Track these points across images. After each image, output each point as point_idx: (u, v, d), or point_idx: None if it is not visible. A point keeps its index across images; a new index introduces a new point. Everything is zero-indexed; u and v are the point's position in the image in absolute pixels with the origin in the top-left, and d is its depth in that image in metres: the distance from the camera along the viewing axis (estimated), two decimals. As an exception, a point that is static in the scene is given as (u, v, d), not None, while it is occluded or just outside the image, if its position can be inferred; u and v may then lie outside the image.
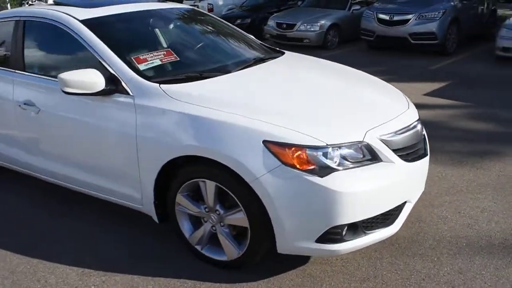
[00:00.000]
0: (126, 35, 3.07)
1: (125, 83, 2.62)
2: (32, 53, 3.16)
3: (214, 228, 2.54)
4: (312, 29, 9.83)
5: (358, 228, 2.31)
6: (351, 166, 2.24)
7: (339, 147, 2.23)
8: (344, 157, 2.24)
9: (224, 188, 2.36)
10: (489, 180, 3.56)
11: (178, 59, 2.88)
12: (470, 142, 4.37)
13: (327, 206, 2.18)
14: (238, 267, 2.54)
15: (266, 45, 3.72)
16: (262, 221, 2.31)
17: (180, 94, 2.53)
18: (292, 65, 3.27)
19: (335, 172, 2.20)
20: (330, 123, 2.35)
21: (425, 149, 2.69)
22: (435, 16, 8.14)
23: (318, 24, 9.82)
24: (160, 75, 2.72)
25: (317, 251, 2.29)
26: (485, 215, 3.06)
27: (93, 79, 2.58)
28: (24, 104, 3.05)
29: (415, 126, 2.58)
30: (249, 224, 2.35)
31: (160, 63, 2.79)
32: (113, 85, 2.64)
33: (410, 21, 8.39)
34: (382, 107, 2.63)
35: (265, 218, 2.30)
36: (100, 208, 3.27)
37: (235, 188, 2.32)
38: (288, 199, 2.19)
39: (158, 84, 2.59)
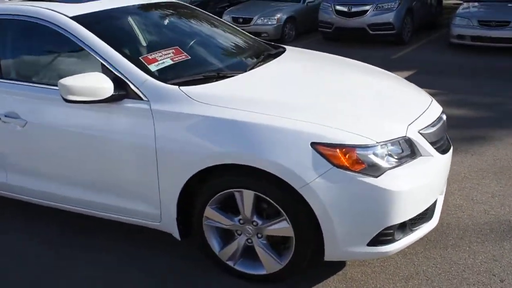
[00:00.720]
0: (125, 32, 2.75)
1: (136, 86, 2.33)
2: (11, 57, 2.74)
3: (249, 240, 2.34)
4: (269, 23, 9.72)
5: (406, 226, 2.23)
6: (397, 163, 2.14)
7: (386, 145, 2.13)
8: (390, 155, 2.14)
9: (265, 197, 2.17)
10: (487, 165, 3.66)
11: (189, 57, 2.62)
12: (455, 129, 4.48)
13: (381, 207, 2.07)
14: (279, 280, 2.37)
15: (263, 40, 3.54)
16: (309, 229, 2.16)
17: (205, 96, 2.29)
18: (304, 59, 3.12)
19: (387, 171, 2.09)
20: (372, 120, 2.24)
21: (449, 141, 2.67)
22: (392, 6, 8.37)
23: (275, 17, 9.73)
24: (174, 76, 2.44)
25: (368, 254, 2.18)
26: (497, 200, 3.13)
27: (101, 84, 2.27)
28: (5, 116, 2.63)
29: (441, 118, 2.55)
30: (295, 233, 2.19)
31: (171, 62, 2.52)
32: (122, 89, 2.34)
33: (368, 12, 8.55)
34: (412, 101, 2.56)
35: (313, 225, 2.15)
36: (106, 233, 2.93)
37: (279, 197, 2.14)
38: (341, 204, 2.05)
39: (177, 86, 2.33)
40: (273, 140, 2.09)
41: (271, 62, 2.83)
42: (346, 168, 2.04)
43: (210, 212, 2.34)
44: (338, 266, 2.51)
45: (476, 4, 8.03)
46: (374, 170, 2.07)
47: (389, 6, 8.38)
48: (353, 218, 2.08)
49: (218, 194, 2.27)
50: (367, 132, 2.12)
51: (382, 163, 2.09)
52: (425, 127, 2.33)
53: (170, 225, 2.47)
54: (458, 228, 2.82)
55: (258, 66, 2.71)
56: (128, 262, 2.63)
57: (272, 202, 2.16)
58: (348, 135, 2.08)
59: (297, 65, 2.93)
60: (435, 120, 2.44)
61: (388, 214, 2.09)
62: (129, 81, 2.34)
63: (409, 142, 2.22)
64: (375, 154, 2.09)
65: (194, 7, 3.41)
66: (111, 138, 2.38)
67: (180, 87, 2.32)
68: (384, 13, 8.47)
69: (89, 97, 2.27)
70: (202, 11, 3.46)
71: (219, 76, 2.52)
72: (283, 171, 2.07)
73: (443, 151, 2.45)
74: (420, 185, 2.18)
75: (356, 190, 2.04)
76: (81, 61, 2.48)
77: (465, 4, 8.22)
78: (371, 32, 8.59)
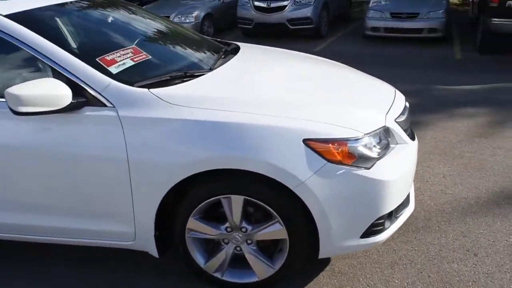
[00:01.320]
0: (73, 31, 2.39)
1: (98, 92, 2.04)
2: None
3: (238, 248, 2.20)
4: (187, 20, 9.43)
5: (392, 214, 2.26)
6: (382, 153, 2.16)
7: (372, 135, 2.13)
8: (375, 145, 2.15)
9: (256, 201, 2.04)
10: (430, 148, 3.91)
11: (150, 57, 2.37)
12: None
13: (375, 198, 2.06)
14: (271, 285, 2.26)
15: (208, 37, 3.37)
16: (303, 228, 2.08)
17: (179, 98, 2.08)
18: (265, 54, 3.02)
19: (377, 162, 2.09)
20: (355, 112, 2.22)
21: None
22: (309, 1, 8.62)
23: (193, 15, 9.47)
24: (138, 78, 2.18)
25: (361, 246, 2.16)
26: (449, 179, 3.35)
27: (58, 91, 1.95)
28: None
29: (407, 106, 2.63)
30: (289, 234, 2.09)
31: (132, 63, 2.25)
32: (80, 96, 2.04)
33: (287, 7, 8.71)
34: (381, 90, 2.61)
35: (309, 224, 2.08)
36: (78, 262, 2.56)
37: (271, 199, 2.03)
38: (337, 199, 2.00)
39: (146, 89, 2.09)
40: (263, 140, 1.97)
41: (232, 59, 2.69)
42: (339, 163, 2.00)
43: (193, 223, 2.15)
44: (323, 261, 2.47)
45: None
46: (366, 161, 2.05)
47: (306, 1, 8.62)
48: (348, 212, 2.05)
49: (203, 203, 2.09)
50: (354, 124, 2.10)
51: (371, 154, 2.08)
52: (398, 115, 2.38)
53: (145, 242, 2.22)
54: (423, 210, 2.95)
55: (222, 64, 2.56)
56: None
57: (264, 205, 2.04)
58: (338, 129, 2.04)
59: (261, 61, 2.82)
60: (403, 109, 2.51)
61: (380, 204, 2.09)
62: (89, 86, 2.04)
63: (387, 131, 2.25)
64: (364, 146, 2.07)
65: (134, 4, 3.12)
66: (74, 153, 2.06)
67: (150, 90, 2.09)
68: (302, 7, 8.69)
69: (43, 107, 1.93)
70: (142, 8, 3.18)
71: (186, 76, 2.32)
72: (276, 171, 1.96)
73: (412, 137, 2.54)
74: (403, 172, 2.21)
75: (351, 183, 2.01)
76: (25, 67, 2.11)
77: (375, -2, 8.77)
78: (291, 27, 8.77)
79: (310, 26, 8.75)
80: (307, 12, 8.63)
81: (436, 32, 7.84)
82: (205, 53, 2.80)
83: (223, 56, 2.73)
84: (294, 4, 8.70)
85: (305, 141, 1.97)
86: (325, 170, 1.98)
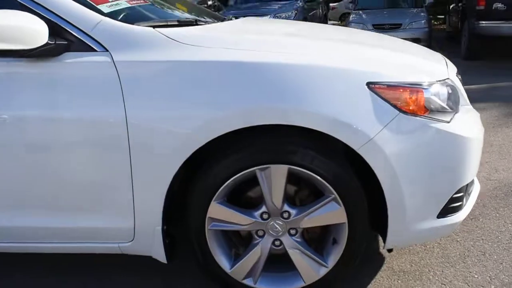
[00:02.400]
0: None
1: (85, 32, 1.49)
2: None
3: (277, 242, 1.64)
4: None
5: (467, 188, 1.79)
6: (455, 108, 1.69)
7: (444, 85, 1.67)
8: (447, 97, 1.68)
9: (304, 171, 1.51)
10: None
11: (148, 2, 1.86)
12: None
13: (457, 160, 1.58)
14: (322, 291, 1.70)
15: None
16: (366, 208, 1.56)
17: (193, 38, 1.56)
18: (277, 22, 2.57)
19: (455, 115, 1.63)
20: (413, 59, 1.77)
21: None
22: (290, 15, 8.39)
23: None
24: (134, 22, 1.64)
25: (437, 230, 1.64)
26: (488, 167, 2.92)
27: (30, 24, 1.40)
28: None
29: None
30: (348, 217, 1.57)
31: (127, 5, 1.72)
32: (60, 38, 1.49)
33: (265, 22, 8.45)
34: (429, 51, 2.17)
35: (373, 201, 1.57)
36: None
37: (325, 166, 1.50)
38: (412, 162, 1.50)
39: (151, 27, 1.56)
40: (314, 85, 1.46)
41: (238, 19, 2.21)
42: (414, 114, 1.52)
43: (217, 210, 1.58)
44: (372, 260, 1.94)
45: (367, 11, 8.48)
46: (444, 114, 1.58)
47: (286, 16, 8.40)
48: (426, 180, 1.54)
49: (230, 180, 1.54)
50: (422, 70, 1.65)
51: (445, 105, 1.62)
52: (456, 73, 1.96)
53: (148, 242, 1.62)
54: (472, 197, 2.51)
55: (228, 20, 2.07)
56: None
57: (315, 176, 1.51)
58: (408, 73, 1.58)
59: (268, 22, 2.37)
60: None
61: (462, 169, 1.61)
62: (71, 25, 1.48)
63: (453, 88, 1.80)
64: (438, 96, 1.61)
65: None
66: (46, 118, 1.49)
67: (156, 29, 1.57)
68: (281, 23, 8.46)
69: (8, 44, 1.37)
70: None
71: (197, 23, 1.81)
72: (334, 126, 1.44)
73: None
74: (478, 133, 1.76)
75: (430, 140, 1.51)
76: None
77: (355, 13, 8.65)
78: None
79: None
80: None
81: (420, 42, 7.71)
82: (211, 16, 2.31)
83: (226, 19, 2.25)
84: (275, 18, 8.46)
85: (370, 85, 1.49)
86: (398, 122, 1.48)
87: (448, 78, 1.72)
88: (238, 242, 1.73)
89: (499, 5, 5.95)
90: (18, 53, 1.43)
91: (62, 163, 1.52)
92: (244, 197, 1.68)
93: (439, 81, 1.63)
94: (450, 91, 1.66)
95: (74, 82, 1.48)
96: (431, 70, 1.69)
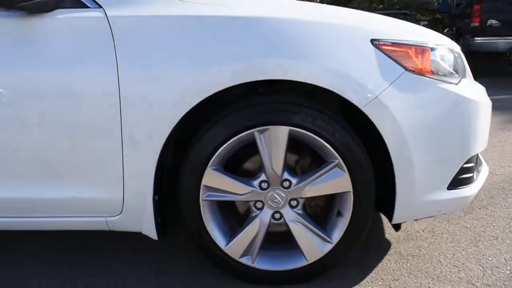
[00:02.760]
0: None
1: (76, -14, 1.43)
2: None
3: (277, 215, 1.52)
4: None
5: (477, 163, 1.69)
6: (460, 73, 1.61)
7: (448, 49, 1.60)
8: (453, 63, 1.60)
9: (306, 133, 1.42)
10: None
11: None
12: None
13: (467, 126, 1.49)
14: (324, 271, 1.56)
15: None
16: (372, 176, 1.46)
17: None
18: None
19: (462, 79, 1.56)
20: (415, 26, 1.71)
21: None
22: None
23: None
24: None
25: (447, 203, 1.53)
26: (492, 164, 2.84)
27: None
28: None
29: None
30: (353, 185, 1.46)
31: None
32: (51, -7, 1.42)
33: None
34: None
35: (380, 167, 1.47)
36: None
37: (329, 128, 1.41)
38: (420, 124, 1.41)
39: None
40: (317, 39, 1.39)
41: None
42: (421, 73, 1.45)
43: (212, 177, 1.47)
44: (381, 247, 1.82)
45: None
46: (451, 77, 1.51)
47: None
48: (435, 145, 1.45)
49: (227, 144, 1.44)
50: (427, 35, 1.59)
51: (451, 69, 1.54)
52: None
53: (137, 215, 1.50)
54: (481, 190, 2.36)
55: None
56: None
57: (317, 139, 1.42)
58: (412, 34, 1.51)
59: None
60: None
61: (472, 137, 1.51)
62: (61, -22, 1.43)
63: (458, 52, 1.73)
64: (444, 59, 1.53)
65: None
66: (34, 75, 1.40)
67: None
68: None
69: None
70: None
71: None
72: (338, 81, 1.37)
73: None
74: (487, 101, 1.67)
75: (439, 102, 1.43)
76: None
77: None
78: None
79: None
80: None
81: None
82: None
83: None
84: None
85: (374, 42, 1.42)
86: (404, 80, 1.40)
87: (452, 46, 1.66)
88: (235, 221, 1.62)
89: (493, 21, 6.03)
90: (7, 4, 1.36)
91: (45, 123, 1.42)
92: (242, 170, 1.58)
93: (442, 45, 1.56)
94: (456, 56, 1.60)
95: (65, 39, 1.41)
96: (435, 36, 1.63)
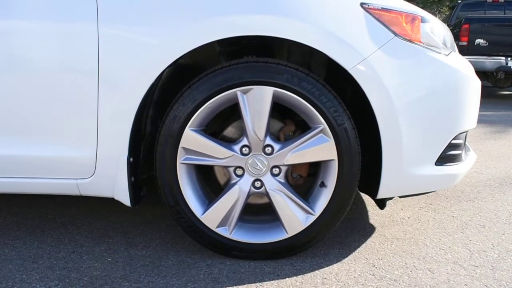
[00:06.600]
0: None
1: None
2: None
3: (258, 183, 1.45)
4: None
5: (465, 143, 1.65)
6: (450, 47, 1.59)
7: (436, 23, 1.58)
8: (443, 37, 1.57)
9: (292, 94, 1.36)
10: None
11: None
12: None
13: (455, 98, 1.45)
14: (305, 247, 1.48)
15: None
16: (358, 142, 1.40)
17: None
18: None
19: (452, 53, 1.53)
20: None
21: None
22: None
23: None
24: None
25: (435, 180, 1.47)
26: (478, 164, 2.81)
27: None
28: None
29: None
30: (338, 153, 1.40)
31: None
32: None
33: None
34: None
35: (366, 135, 1.42)
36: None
37: (314, 91, 1.36)
38: (409, 91, 1.37)
39: None
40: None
41: None
42: (411, 41, 1.41)
43: (191, 138, 1.39)
44: (365, 230, 1.75)
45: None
46: (441, 48, 1.48)
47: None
48: (424, 116, 1.40)
49: (208, 103, 1.37)
50: (417, 10, 1.56)
51: (440, 42, 1.52)
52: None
53: (110, 178, 1.42)
54: (467, 186, 2.33)
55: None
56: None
57: (303, 102, 1.36)
58: (404, 4, 1.49)
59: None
60: None
61: (461, 111, 1.47)
62: None
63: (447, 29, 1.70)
64: (434, 32, 1.50)
65: None
66: (7, 27, 1.34)
67: None
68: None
69: None
70: None
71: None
72: (325, 40, 1.32)
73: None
74: (476, 77, 1.63)
75: (428, 70, 1.39)
76: None
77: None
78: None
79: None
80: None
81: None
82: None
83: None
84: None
85: (364, 5, 1.39)
86: (393, 46, 1.36)
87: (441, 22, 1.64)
88: (215, 195, 1.54)
89: (481, 41, 6.14)
90: None
91: (17, 77, 1.34)
92: (223, 138, 1.51)
93: (436, 20, 1.54)
94: (446, 31, 1.57)
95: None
96: (424, 12, 1.61)
